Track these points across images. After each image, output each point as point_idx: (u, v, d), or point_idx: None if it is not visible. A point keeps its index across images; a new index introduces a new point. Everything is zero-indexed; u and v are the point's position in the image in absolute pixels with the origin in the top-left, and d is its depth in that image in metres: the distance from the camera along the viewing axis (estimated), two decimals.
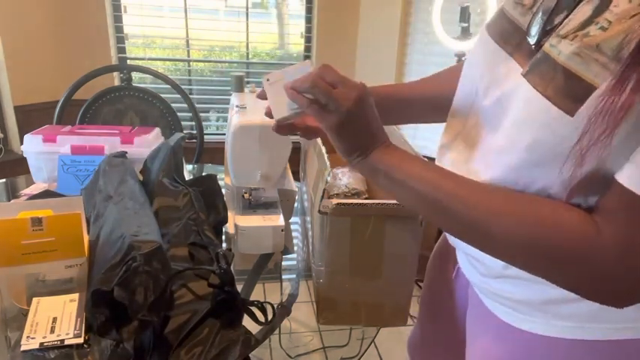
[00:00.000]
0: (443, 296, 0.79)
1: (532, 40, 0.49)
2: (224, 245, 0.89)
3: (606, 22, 0.42)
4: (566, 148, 0.44)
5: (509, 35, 0.54)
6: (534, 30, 0.50)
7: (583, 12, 0.45)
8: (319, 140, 0.84)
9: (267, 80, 0.64)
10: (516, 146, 0.48)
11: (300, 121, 0.68)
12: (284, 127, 0.66)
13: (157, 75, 1.82)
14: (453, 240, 0.67)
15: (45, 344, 0.57)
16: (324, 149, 0.80)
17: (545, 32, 0.48)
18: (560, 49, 0.45)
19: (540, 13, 0.50)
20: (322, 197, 0.71)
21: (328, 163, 0.73)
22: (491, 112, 0.54)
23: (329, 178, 0.69)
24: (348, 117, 0.54)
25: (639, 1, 0.40)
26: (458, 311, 0.75)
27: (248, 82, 1.64)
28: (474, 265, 0.62)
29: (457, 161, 0.60)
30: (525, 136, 0.47)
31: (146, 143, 1.08)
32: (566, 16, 0.47)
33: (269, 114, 0.65)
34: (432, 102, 0.73)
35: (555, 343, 0.54)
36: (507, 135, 0.50)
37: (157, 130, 1.18)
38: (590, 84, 0.42)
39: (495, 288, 0.59)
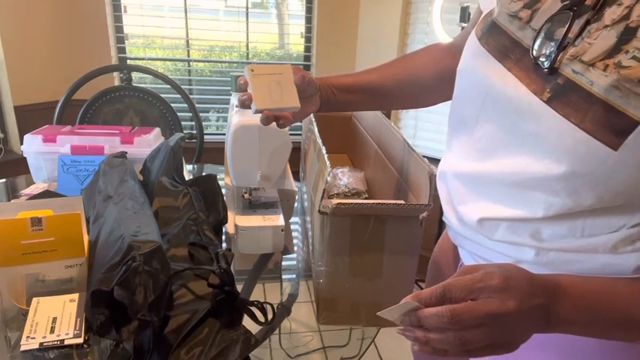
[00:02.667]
0: None
1: (545, 65, 0.48)
2: (224, 245, 0.89)
3: (638, 52, 0.42)
4: (608, 179, 0.44)
5: (508, 50, 0.53)
6: (545, 52, 0.48)
7: (605, 38, 0.44)
8: (319, 140, 0.84)
9: (252, 71, 0.65)
10: (552, 174, 0.48)
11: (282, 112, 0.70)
12: (270, 118, 0.68)
13: (157, 75, 1.82)
14: (456, 239, 0.67)
15: (45, 344, 0.57)
16: (324, 149, 0.80)
17: (558, 54, 0.47)
18: (592, 79, 0.44)
19: (546, 33, 0.49)
20: (322, 197, 0.71)
21: (328, 163, 0.73)
22: (504, 132, 0.53)
23: (329, 178, 0.69)
24: (517, 315, 0.43)
25: None
26: None
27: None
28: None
29: (470, 174, 0.60)
30: (561, 167, 0.47)
31: (146, 143, 1.08)
32: (578, 36, 0.46)
33: (245, 104, 0.66)
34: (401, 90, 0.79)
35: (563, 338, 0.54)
36: (542, 164, 0.49)
37: (157, 130, 1.18)
38: (633, 119, 0.41)
39: None
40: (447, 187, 0.66)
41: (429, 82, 0.80)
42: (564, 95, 0.46)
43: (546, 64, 0.48)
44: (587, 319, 0.46)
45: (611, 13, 0.44)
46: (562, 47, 0.47)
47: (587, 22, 0.46)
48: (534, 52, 0.49)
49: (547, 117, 0.47)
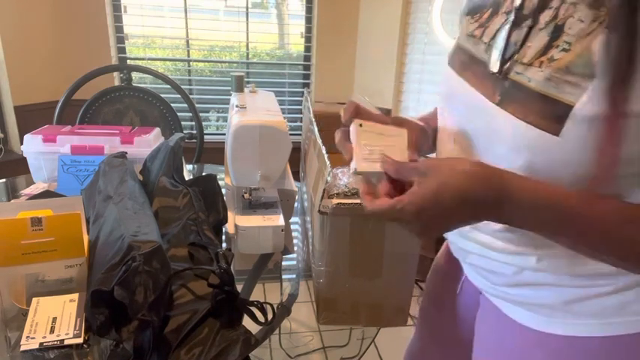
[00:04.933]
0: (445, 309, 0.79)
1: (494, 69, 0.52)
2: (224, 245, 0.89)
3: (566, 44, 0.46)
4: (564, 165, 0.47)
5: (466, 65, 0.58)
6: (494, 58, 0.53)
7: (540, 38, 0.48)
8: (319, 140, 0.84)
9: (361, 126, 0.56)
10: (516, 166, 0.50)
11: None
12: None
13: (157, 75, 1.82)
14: (457, 252, 0.67)
15: (44, 344, 0.57)
16: (324, 149, 0.80)
17: (505, 61, 0.52)
18: (530, 76, 0.48)
19: (495, 45, 0.54)
20: (322, 197, 0.71)
21: (328, 162, 0.72)
22: (477, 139, 0.57)
23: (329, 178, 0.69)
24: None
25: (589, 20, 0.44)
26: (461, 321, 0.76)
27: (248, 82, 1.64)
28: (484, 275, 0.63)
29: None
30: (519, 161, 0.50)
31: (146, 143, 1.08)
32: (522, 45, 0.50)
33: (345, 157, 0.58)
34: None
35: (576, 341, 0.55)
36: (506, 161, 0.51)
37: (157, 130, 1.18)
38: (567, 104, 0.45)
39: (512, 294, 0.60)
40: None
41: None
42: (510, 95, 0.50)
43: (495, 70, 0.53)
44: (535, 204, 0.47)
45: (544, 17, 0.49)
46: (508, 54, 0.52)
47: (530, 30, 0.50)
48: (489, 62, 0.54)
49: (500, 117, 0.51)
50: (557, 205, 0.47)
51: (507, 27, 0.52)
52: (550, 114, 0.46)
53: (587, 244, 0.49)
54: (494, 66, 0.53)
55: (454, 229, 0.53)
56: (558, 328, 0.56)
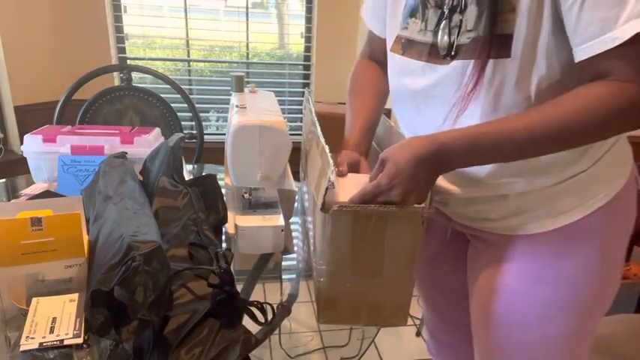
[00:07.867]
0: (440, 263, 0.93)
1: (444, 45, 0.69)
2: (224, 245, 0.89)
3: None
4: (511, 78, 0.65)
5: (419, 51, 0.74)
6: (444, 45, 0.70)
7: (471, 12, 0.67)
8: (322, 139, 0.84)
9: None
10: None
11: None
12: None
13: (156, 75, 1.82)
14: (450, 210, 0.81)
15: (44, 344, 0.57)
16: (327, 148, 0.80)
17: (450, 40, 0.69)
18: (471, 35, 0.68)
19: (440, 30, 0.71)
20: (324, 196, 0.71)
21: (331, 162, 0.72)
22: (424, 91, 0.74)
23: (332, 177, 0.69)
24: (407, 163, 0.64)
25: None
26: (454, 266, 0.90)
27: (248, 82, 1.64)
28: (484, 217, 0.77)
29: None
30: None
31: (146, 143, 1.08)
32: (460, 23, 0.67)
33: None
34: None
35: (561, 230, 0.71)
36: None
37: (157, 130, 1.18)
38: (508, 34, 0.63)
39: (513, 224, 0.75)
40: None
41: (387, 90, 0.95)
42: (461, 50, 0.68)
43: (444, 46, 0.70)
44: (462, 142, 0.64)
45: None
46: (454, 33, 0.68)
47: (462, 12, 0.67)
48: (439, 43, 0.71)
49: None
50: (475, 137, 0.64)
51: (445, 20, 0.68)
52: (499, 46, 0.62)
53: (518, 151, 0.64)
54: (443, 44, 0.69)
55: (426, 184, 0.67)
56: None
